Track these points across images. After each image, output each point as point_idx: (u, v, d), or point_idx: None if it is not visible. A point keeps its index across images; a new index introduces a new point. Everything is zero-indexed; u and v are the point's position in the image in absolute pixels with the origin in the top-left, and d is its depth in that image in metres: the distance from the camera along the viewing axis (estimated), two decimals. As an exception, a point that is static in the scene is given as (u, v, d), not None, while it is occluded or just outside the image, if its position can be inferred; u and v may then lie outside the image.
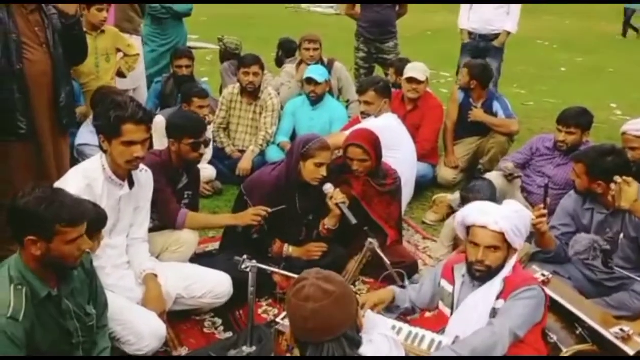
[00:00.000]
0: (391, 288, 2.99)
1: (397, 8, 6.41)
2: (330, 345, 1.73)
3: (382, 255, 3.24)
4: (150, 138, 4.62)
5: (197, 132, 3.42)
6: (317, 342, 1.74)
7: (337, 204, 3.46)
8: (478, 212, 2.62)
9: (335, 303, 1.74)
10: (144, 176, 3.07)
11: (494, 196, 3.77)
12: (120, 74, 5.11)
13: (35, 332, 2.24)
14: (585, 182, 3.31)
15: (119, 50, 5.08)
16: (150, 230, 3.29)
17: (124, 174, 2.91)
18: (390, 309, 2.93)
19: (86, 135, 4.28)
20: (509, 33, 6.32)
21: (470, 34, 6.44)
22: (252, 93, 5.18)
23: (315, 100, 5.23)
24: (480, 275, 2.62)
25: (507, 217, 2.58)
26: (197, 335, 3.20)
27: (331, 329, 1.73)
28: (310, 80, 5.16)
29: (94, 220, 2.64)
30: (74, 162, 3.79)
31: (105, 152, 2.85)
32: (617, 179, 3.10)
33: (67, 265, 2.29)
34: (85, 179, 2.80)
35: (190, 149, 3.40)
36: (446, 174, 5.22)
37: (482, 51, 6.36)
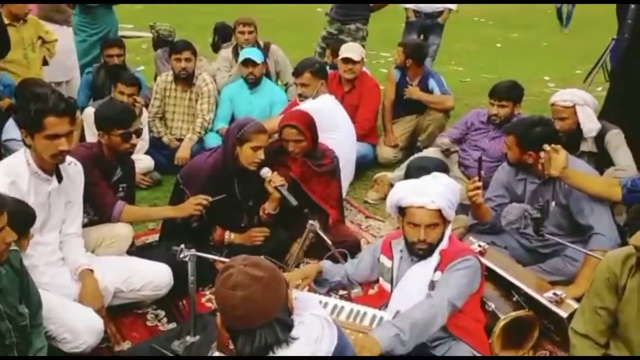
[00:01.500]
0: (319, 263, 3.02)
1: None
2: (262, 332, 1.70)
3: (323, 235, 3.24)
4: (82, 130, 4.56)
5: (126, 122, 3.29)
6: (248, 329, 1.71)
7: (276, 187, 3.44)
8: (413, 193, 2.64)
9: (265, 288, 1.70)
10: (73, 169, 2.97)
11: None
12: (44, 62, 4.94)
13: (-36, 335, 2.16)
14: (517, 154, 3.39)
15: (39, 37, 4.91)
16: (85, 225, 3.20)
17: (51, 168, 2.80)
18: (319, 282, 2.95)
19: (12, 129, 4.11)
20: (450, 10, 6.63)
21: (415, 12, 6.67)
22: (185, 80, 5.08)
23: (254, 83, 5.15)
24: (424, 253, 2.66)
25: (441, 193, 2.62)
26: (139, 329, 3.15)
27: (262, 315, 1.70)
28: (247, 62, 5.08)
29: (21, 219, 2.54)
30: (3, 158, 3.64)
31: (29, 146, 2.73)
32: (546, 147, 3.19)
33: None
34: (7, 175, 2.68)
35: (120, 140, 3.28)
36: (386, 153, 5.28)
37: (427, 28, 6.67)
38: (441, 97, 5.25)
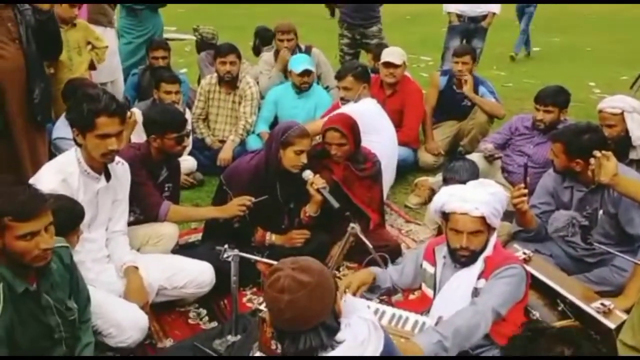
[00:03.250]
0: (371, 269, 3.01)
1: None
2: (308, 336, 1.72)
3: (364, 239, 3.23)
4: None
5: (180, 126, 3.40)
6: (294, 332, 1.74)
7: (318, 190, 3.44)
8: (457, 199, 2.62)
9: (311, 294, 1.72)
10: (121, 169, 3.04)
11: (475, 175, 3.76)
12: (91, 66, 5.04)
13: (15, 328, 2.21)
14: (564, 161, 3.32)
15: (88, 42, 5.02)
16: (131, 223, 3.27)
17: (100, 167, 2.87)
18: (372, 289, 2.94)
19: (62, 129, 4.21)
20: (494, 14, 6.62)
21: (459, 16, 6.69)
22: (230, 82, 5.14)
23: (306, 90, 5.17)
24: (466, 260, 2.63)
25: (486, 201, 2.59)
26: (182, 326, 3.19)
27: (308, 320, 1.72)
28: (304, 73, 5.07)
29: (71, 215, 2.62)
30: (53, 157, 3.73)
31: (79, 145, 2.80)
32: (597, 153, 3.11)
33: (27, 263, 2.17)
34: (60, 173, 2.76)
35: (174, 142, 3.39)
36: (427, 157, 5.23)
37: (470, 32, 6.67)
38: (494, 103, 5.21)
